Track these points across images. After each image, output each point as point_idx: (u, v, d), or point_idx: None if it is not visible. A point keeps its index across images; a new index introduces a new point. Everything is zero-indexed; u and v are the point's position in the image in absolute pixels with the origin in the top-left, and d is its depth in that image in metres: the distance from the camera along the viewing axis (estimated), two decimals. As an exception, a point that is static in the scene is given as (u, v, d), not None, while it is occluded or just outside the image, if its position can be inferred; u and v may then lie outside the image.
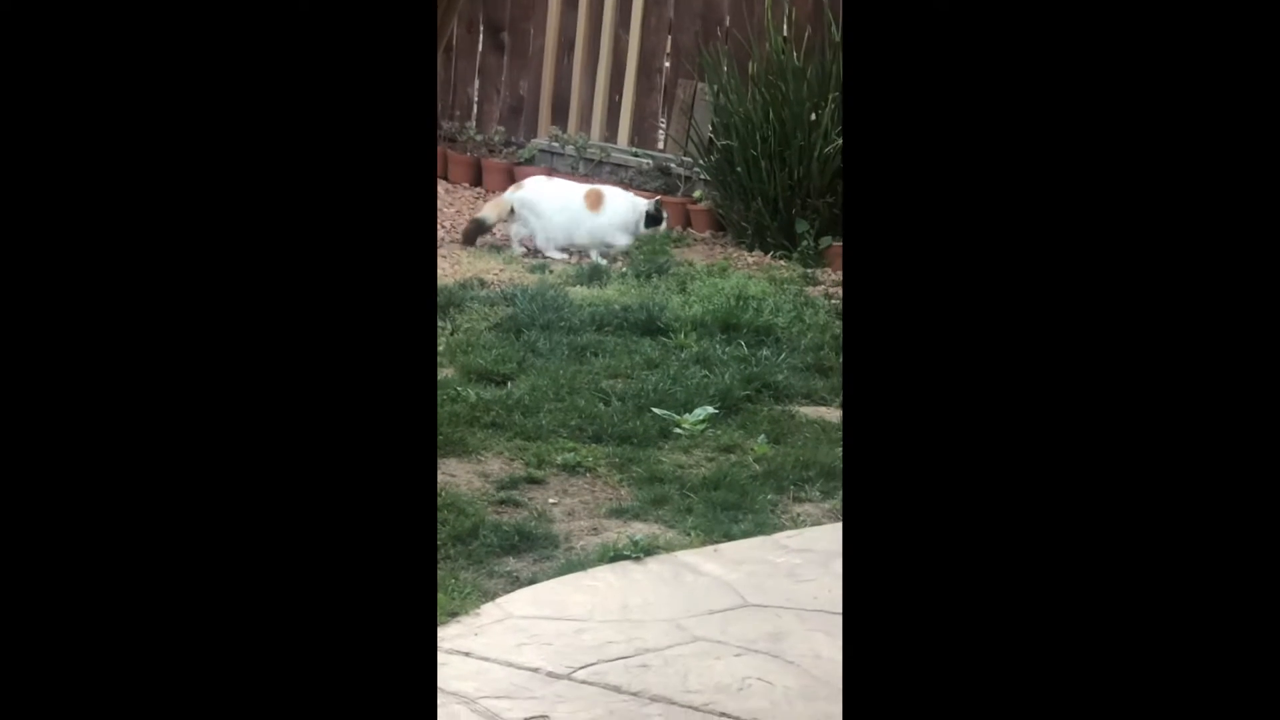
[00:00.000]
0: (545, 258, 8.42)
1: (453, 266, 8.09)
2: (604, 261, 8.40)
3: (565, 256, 8.47)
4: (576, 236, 8.49)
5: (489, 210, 8.60)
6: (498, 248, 8.53)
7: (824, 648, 4.46)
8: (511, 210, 8.47)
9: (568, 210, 8.45)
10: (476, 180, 9.62)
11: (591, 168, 9.50)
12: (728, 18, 9.40)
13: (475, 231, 8.53)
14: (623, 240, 8.49)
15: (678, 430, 6.14)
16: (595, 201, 8.50)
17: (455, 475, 5.66)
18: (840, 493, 5.52)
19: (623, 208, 8.50)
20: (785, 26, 8.91)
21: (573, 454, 5.86)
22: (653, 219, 8.53)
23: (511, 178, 9.50)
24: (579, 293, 7.73)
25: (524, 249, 8.48)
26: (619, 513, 5.45)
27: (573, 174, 9.45)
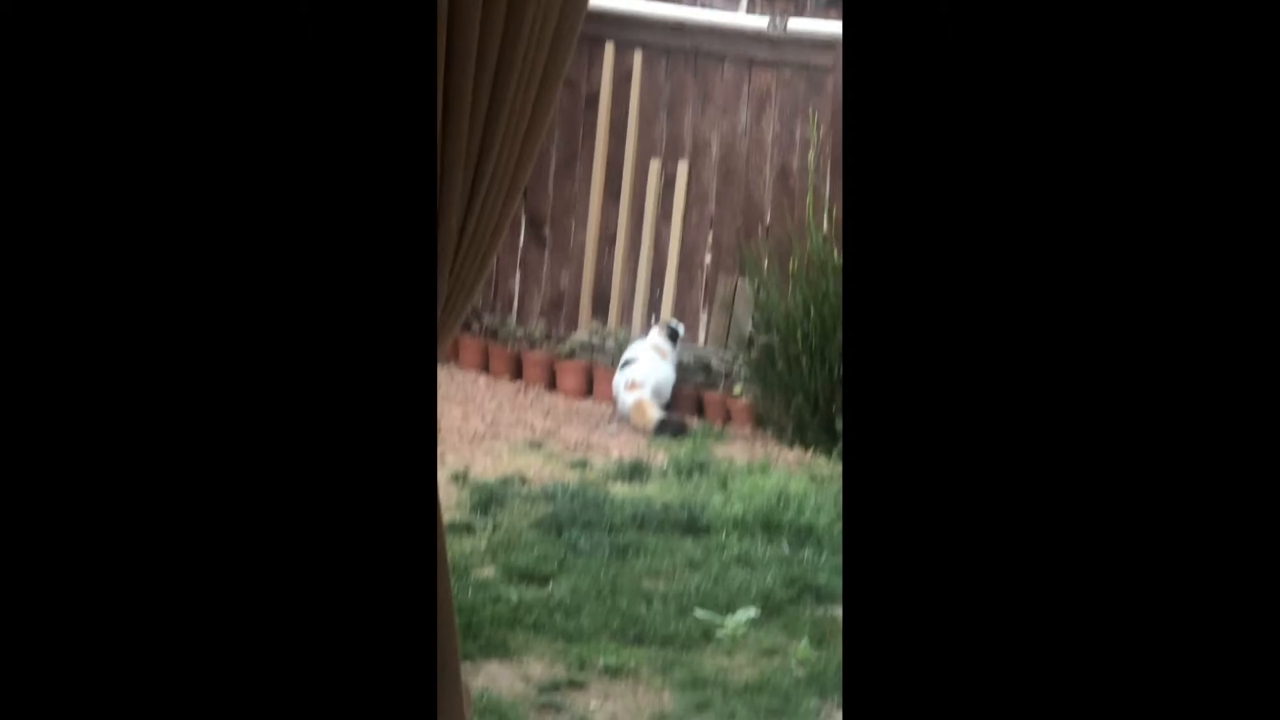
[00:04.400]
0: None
1: (493, 463, 8.11)
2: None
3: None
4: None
5: (650, 409, 8.90)
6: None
7: None
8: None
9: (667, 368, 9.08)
10: (517, 374, 9.65)
11: (632, 362, 9.53)
12: (769, 214, 9.47)
13: (676, 425, 8.82)
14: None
15: (720, 633, 6.11)
16: (664, 354, 9.04)
17: (497, 678, 5.64)
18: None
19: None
20: (825, 224, 8.97)
21: (615, 656, 5.83)
22: (671, 336, 9.09)
23: (551, 372, 9.54)
24: (619, 490, 7.73)
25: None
26: (662, 717, 5.41)
27: (612, 368, 9.50)
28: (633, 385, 8.93)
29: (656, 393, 8.96)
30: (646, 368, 8.99)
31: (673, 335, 9.13)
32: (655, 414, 8.85)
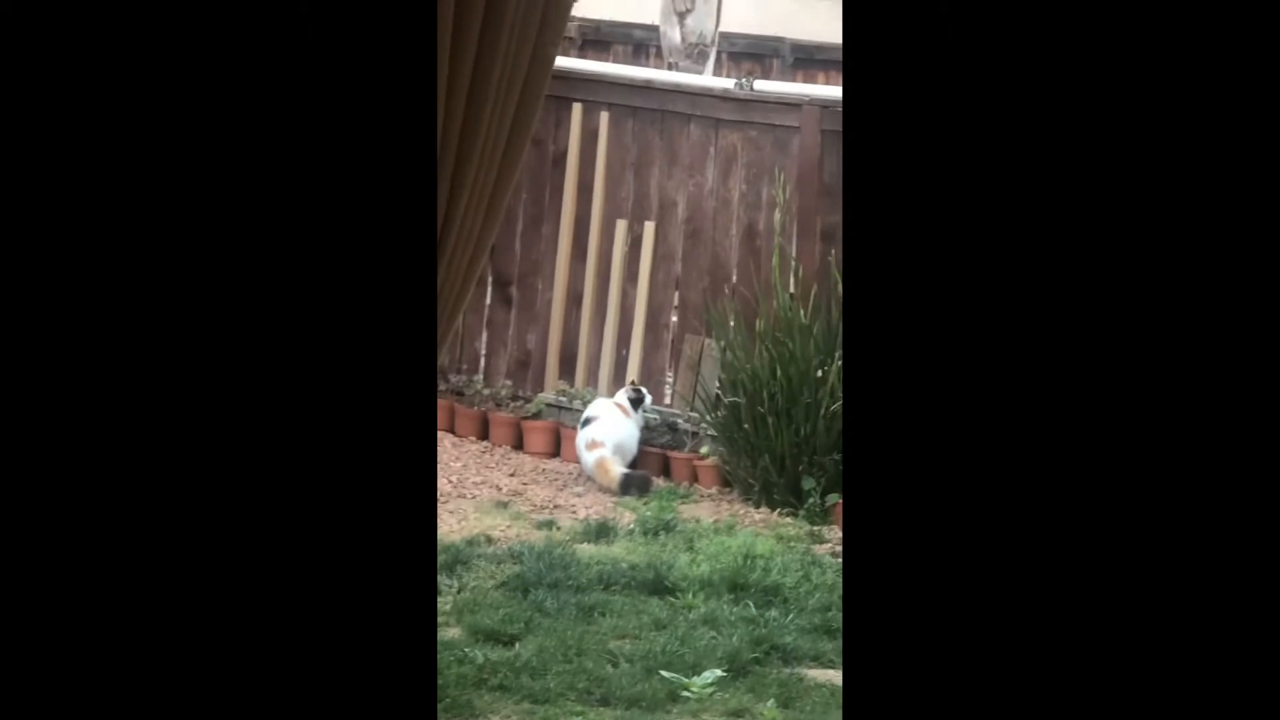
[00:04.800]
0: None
1: (459, 523, 8.09)
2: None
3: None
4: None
5: (613, 465, 8.95)
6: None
7: None
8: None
9: (630, 423, 9.10)
10: (484, 434, 9.63)
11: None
12: (735, 274, 9.48)
13: (641, 482, 8.90)
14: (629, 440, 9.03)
15: (686, 694, 6.09)
16: (626, 410, 9.12)
17: (462, 740, 5.61)
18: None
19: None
20: (792, 283, 8.98)
21: (581, 717, 5.81)
22: (635, 401, 9.08)
23: (518, 431, 9.53)
24: (586, 550, 7.72)
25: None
26: (628, 780, 5.39)
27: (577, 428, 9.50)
28: (593, 444, 8.93)
29: (618, 450, 8.96)
30: (607, 426, 8.99)
31: (636, 400, 9.10)
32: (618, 471, 8.85)
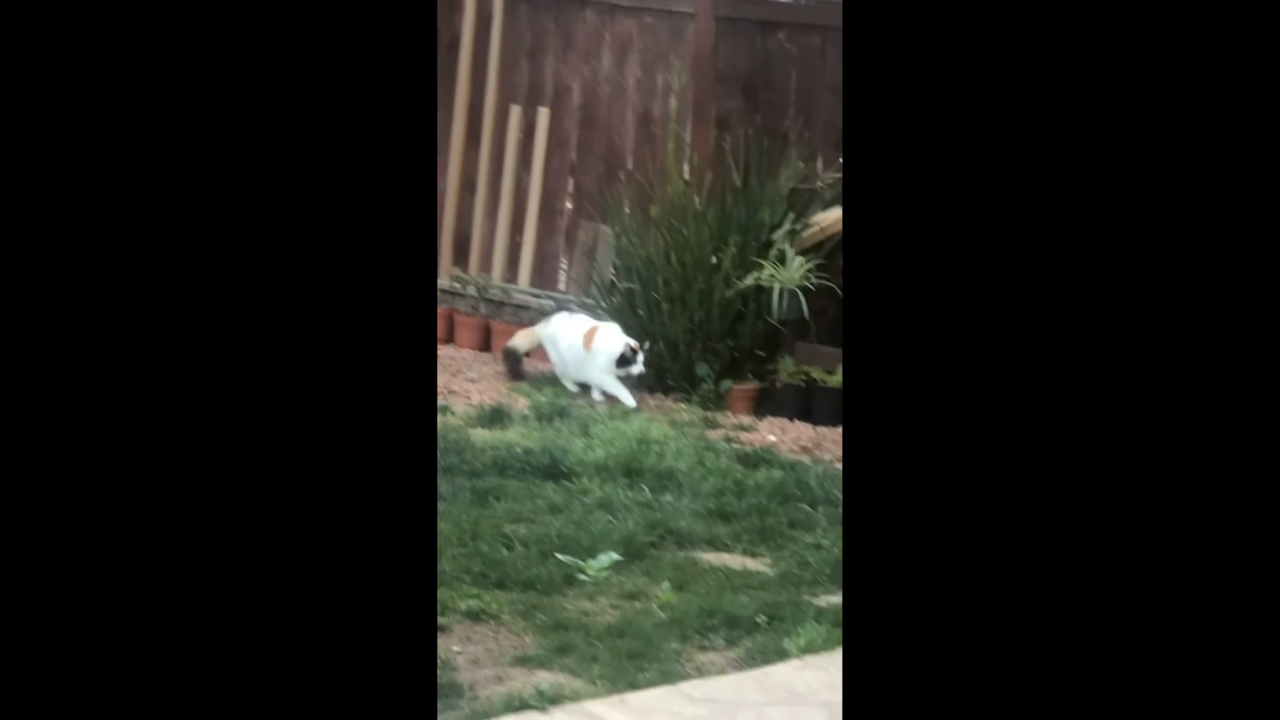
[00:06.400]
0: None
1: (354, 408, 8.07)
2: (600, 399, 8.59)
3: (578, 391, 8.68)
4: (580, 374, 8.67)
5: (520, 339, 8.87)
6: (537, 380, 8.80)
7: (732, 801, 4.44)
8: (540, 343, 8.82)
9: (574, 349, 8.63)
10: (377, 320, 9.60)
11: (493, 309, 9.52)
12: (630, 160, 9.48)
13: (514, 361, 8.83)
14: (608, 382, 8.58)
15: (582, 576, 6.13)
16: (589, 339, 8.62)
17: (358, 622, 5.61)
18: (744, 641, 5.55)
19: (607, 348, 8.56)
20: (686, 170, 8.99)
21: (476, 600, 5.82)
22: (624, 360, 8.51)
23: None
24: (481, 435, 7.73)
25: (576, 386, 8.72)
26: (524, 661, 5.42)
27: (475, 315, 9.48)
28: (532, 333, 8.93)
29: (557, 351, 8.75)
30: (561, 330, 8.73)
31: (626, 359, 8.52)
32: (517, 342, 8.89)
